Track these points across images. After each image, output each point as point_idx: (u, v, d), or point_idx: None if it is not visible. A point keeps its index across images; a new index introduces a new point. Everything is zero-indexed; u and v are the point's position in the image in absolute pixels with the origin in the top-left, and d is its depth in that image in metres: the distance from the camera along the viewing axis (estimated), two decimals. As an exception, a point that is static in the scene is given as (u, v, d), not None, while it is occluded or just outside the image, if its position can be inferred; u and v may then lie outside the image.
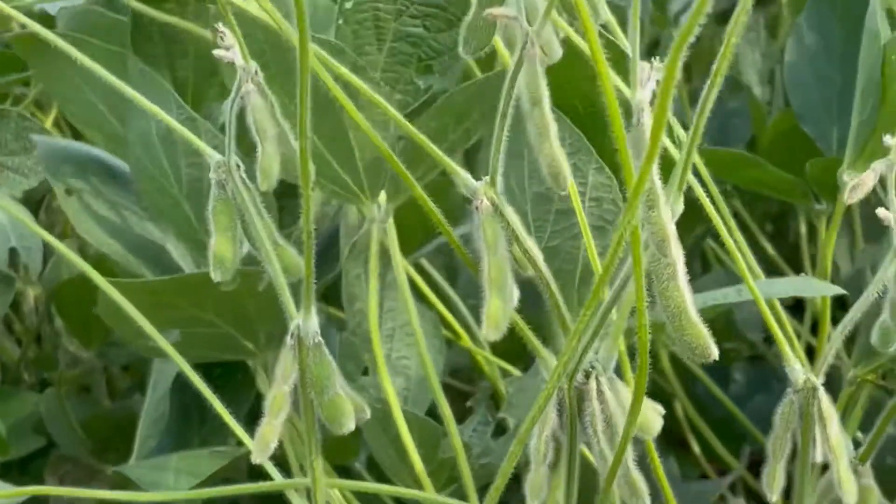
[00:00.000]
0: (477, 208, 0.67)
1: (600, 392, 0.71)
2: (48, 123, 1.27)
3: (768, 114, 1.30)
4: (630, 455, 0.72)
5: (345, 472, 1.08)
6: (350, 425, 0.73)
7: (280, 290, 0.72)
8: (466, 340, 1.01)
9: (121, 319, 0.90)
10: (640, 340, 0.59)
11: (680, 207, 0.65)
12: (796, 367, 0.74)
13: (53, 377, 1.30)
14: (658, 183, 0.62)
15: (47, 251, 1.17)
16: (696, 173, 0.85)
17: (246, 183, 0.73)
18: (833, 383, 1.00)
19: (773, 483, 0.76)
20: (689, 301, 0.65)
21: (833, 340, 0.74)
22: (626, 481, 0.71)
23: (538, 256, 0.68)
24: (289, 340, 0.71)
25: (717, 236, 0.99)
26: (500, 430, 0.99)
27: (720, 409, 1.35)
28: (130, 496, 0.84)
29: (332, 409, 0.72)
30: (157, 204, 0.95)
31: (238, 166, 0.73)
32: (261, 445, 0.72)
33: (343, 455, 1.07)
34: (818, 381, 0.73)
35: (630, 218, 0.53)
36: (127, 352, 1.21)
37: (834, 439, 0.74)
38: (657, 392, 1.35)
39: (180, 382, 1.07)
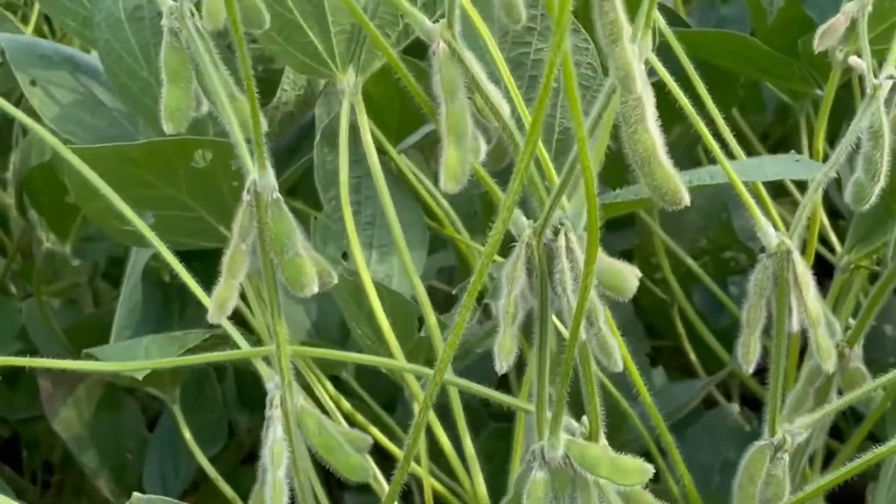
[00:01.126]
0: (434, 52, 0.64)
1: (570, 249, 0.68)
2: (29, 31, 1.26)
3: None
4: (602, 316, 0.69)
5: (333, 381, 1.06)
6: (312, 287, 0.70)
7: (237, 144, 0.69)
8: (450, 230, 0.98)
9: (92, 198, 0.89)
10: (583, 168, 0.56)
11: (648, 44, 0.62)
12: (769, 231, 0.70)
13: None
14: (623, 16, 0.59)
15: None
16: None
17: (201, 31, 0.70)
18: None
19: (747, 354, 0.73)
20: (658, 144, 0.62)
21: (808, 197, 0.70)
22: (597, 341, 0.68)
23: (501, 105, 0.65)
24: (245, 196, 0.69)
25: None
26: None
27: (719, 319, 1.32)
28: (102, 366, 0.82)
29: (292, 269, 0.70)
30: (126, 87, 0.93)
31: (192, 13, 0.70)
32: (217, 305, 0.69)
33: (330, 364, 1.05)
34: (792, 244, 0.70)
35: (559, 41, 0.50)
36: (105, 246, 1.19)
37: (810, 305, 0.70)
38: (656, 301, 1.32)
39: (159, 275, 1.05)
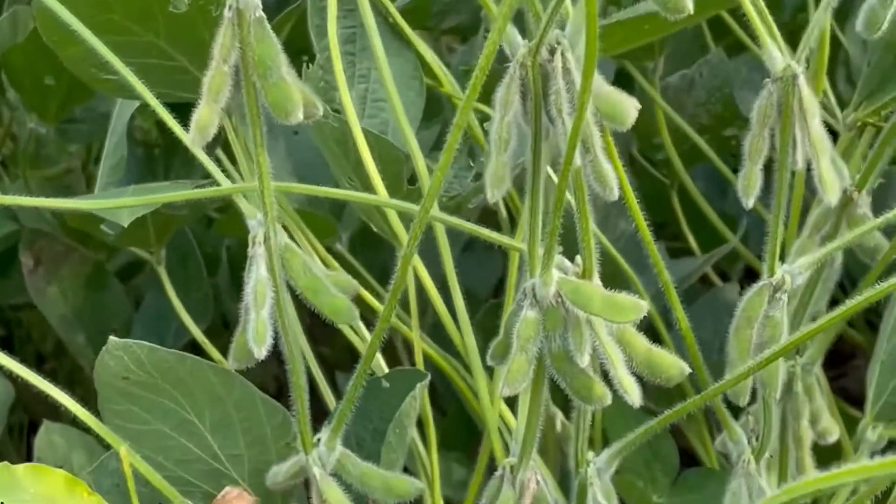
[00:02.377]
0: None
1: (566, 70, 0.64)
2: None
3: None
4: (599, 142, 0.66)
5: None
6: (297, 113, 0.67)
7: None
8: (448, 87, 0.94)
9: (68, 44, 0.85)
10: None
11: None
12: (775, 54, 0.67)
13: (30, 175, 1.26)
14: None
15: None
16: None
17: None
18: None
19: (748, 187, 0.70)
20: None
21: (816, 20, 0.66)
22: (592, 168, 0.65)
23: None
24: (227, 13, 0.65)
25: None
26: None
27: (718, 205, 1.29)
28: (83, 204, 0.79)
29: (276, 94, 0.66)
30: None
31: None
32: (198, 129, 0.66)
33: (321, 234, 1.03)
34: (799, 69, 0.66)
35: None
36: (88, 129, 1.15)
37: (815, 135, 0.67)
38: (656, 186, 1.29)
39: (144, 135, 1.02)
